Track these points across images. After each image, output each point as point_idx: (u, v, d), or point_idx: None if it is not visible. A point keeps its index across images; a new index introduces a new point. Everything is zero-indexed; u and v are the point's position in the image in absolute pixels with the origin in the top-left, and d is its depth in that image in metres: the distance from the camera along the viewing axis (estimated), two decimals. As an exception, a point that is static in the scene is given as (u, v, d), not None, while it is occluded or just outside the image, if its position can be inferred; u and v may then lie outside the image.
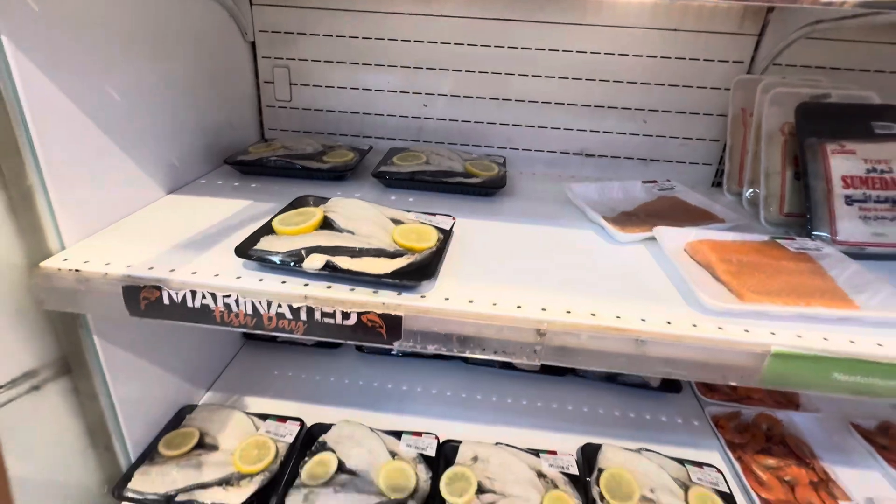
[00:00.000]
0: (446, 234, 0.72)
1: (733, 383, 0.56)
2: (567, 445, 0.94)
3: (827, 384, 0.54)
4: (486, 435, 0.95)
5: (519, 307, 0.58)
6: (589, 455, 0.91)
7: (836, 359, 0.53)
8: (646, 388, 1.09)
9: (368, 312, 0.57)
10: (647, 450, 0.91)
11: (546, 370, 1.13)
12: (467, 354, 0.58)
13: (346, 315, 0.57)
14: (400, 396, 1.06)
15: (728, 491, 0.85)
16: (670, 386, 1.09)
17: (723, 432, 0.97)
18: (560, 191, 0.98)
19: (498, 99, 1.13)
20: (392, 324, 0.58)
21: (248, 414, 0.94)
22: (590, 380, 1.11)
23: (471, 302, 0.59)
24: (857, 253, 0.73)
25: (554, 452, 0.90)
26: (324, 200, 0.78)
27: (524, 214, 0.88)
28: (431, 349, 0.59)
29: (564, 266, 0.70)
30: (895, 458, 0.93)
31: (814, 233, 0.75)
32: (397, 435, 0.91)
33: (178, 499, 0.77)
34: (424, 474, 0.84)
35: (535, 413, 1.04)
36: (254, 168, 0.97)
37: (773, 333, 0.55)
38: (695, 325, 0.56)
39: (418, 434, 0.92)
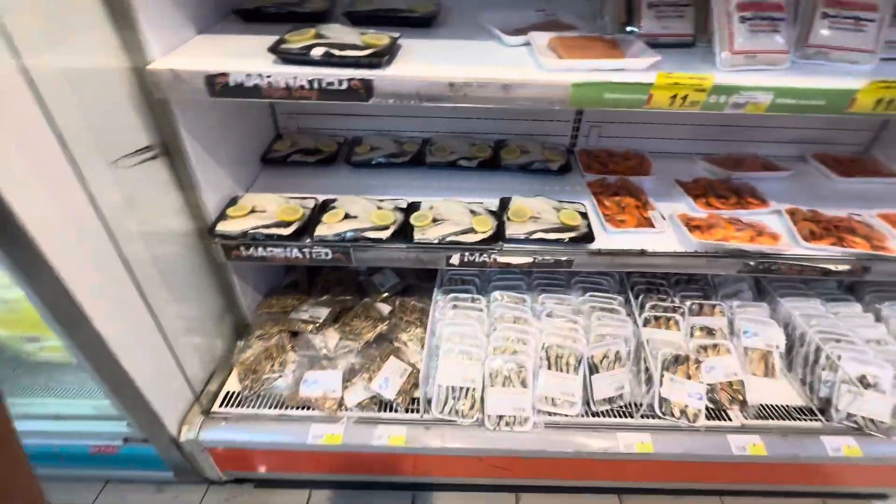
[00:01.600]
0: (395, 39, 1.12)
1: (558, 107, 1.03)
2: (494, 202, 1.46)
3: (601, 100, 1.02)
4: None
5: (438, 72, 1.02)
6: (504, 202, 1.43)
7: (605, 83, 1.00)
8: (548, 172, 1.60)
9: (354, 80, 1.00)
10: (541, 196, 1.44)
11: (482, 166, 1.61)
12: (412, 104, 1.03)
13: (340, 82, 1.00)
14: (383, 189, 1.54)
15: (584, 211, 1.40)
16: (564, 170, 1.60)
17: (591, 187, 1.51)
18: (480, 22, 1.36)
19: None
20: (367, 87, 1.01)
21: (279, 195, 1.41)
22: (512, 171, 1.61)
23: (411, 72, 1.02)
24: (653, 42, 1.17)
25: (481, 202, 1.43)
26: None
27: (452, 36, 1.27)
28: (391, 102, 1.03)
29: (473, 59, 1.12)
30: (697, 194, 1.50)
31: (629, 28, 1.18)
32: (381, 201, 1.41)
33: (249, 232, 1.26)
34: (399, 216, 1.36)
35: (475, 191, 1.54)
36: (254, 15, 1.31)
37: (574, 73, 1.01)
38: (534, 75, 1.02)
39: (393, 199, 1.42)
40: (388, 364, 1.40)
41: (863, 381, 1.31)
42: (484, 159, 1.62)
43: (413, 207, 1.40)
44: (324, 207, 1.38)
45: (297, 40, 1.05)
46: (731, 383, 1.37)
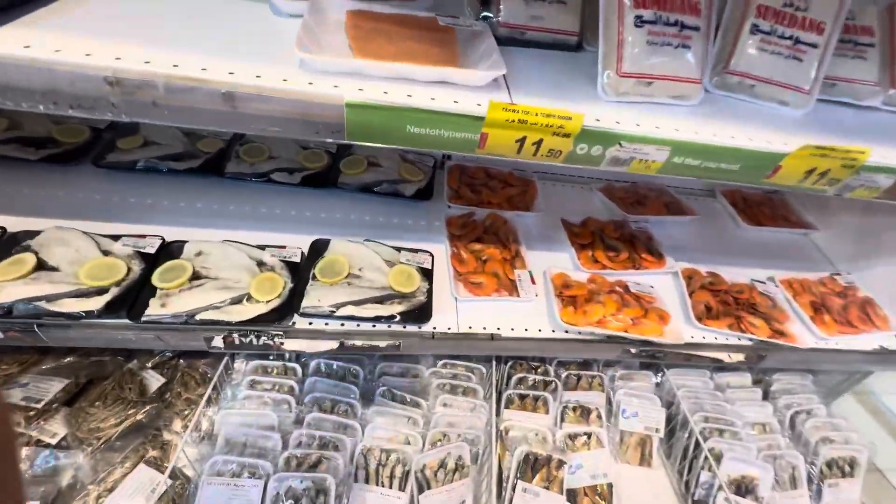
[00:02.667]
0: None
1: (329, 139, 0.60)
2: (306, 243, 1.02)
3: (404, 137, 0.60)
4: (232, 238, 0.99)
5: (88, 55, 0.53)
6: (318, 248, 1.00)
7: (407, 109, 0.58)
8: (400, 196, 1.18)
9: None
10: (370, 240, 1.03)
11: (308, 182, 1.15)
12: (43, 110, 0.54)
13: None
14: (143, 210, 1.03)
15: (430, 268, 1.01)
16: (422, 195, 1.20)
17: (450, 228, 1.12)
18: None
19: None
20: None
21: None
22: (349, 191, 1.17)
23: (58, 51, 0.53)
24: (518, 38, 0.76)
25: (283, 247, 0.98)
26: None
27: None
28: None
29: (219, 32, 0.64)
30: (583, 244, 1.17)
31: (484, 13, 0.76)
32: (116, 238, 0.91)
33: None
34: (137, 267, 0.88)
35: (287, 220, 1.09)
36: None
37: (360, 89, 0.58)
38: (285, 80, 0.57)
39: (141, 236, 0.93)
40: (133, 476, 0.95)
41: (741, 485, 1.10)
42: (312, 173, 1.16)
43: (168, 253, 0.92)
44: (5, 249, 0.85)
45: None
46: (596, 488, 1.10)
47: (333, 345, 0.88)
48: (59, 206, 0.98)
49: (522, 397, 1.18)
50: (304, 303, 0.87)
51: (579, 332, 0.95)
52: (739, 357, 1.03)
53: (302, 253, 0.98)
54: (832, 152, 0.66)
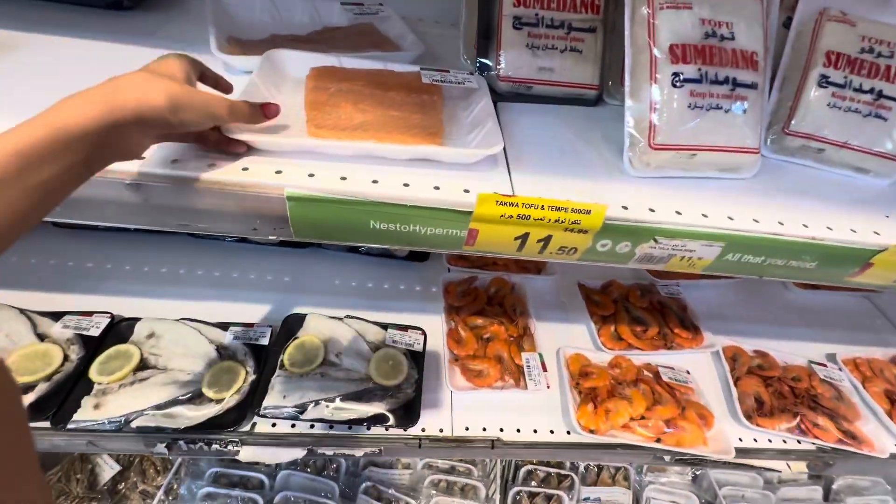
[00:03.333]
0: None
1: (270, 236, 0.46)
2: (280, 316, 0.88)
3: (367, 234, 0.46)
4: (195, 311, 0.86)
5: None
6: (291, 325, 0.86)
7: (372, 204, 0.44)
8: (391, 257, 1.04)
9: None
10: (352, 316, 0.88)
11: (287, 243, 1.02)
12: None
13: None
14: (100, 275, 0.92)
15: (421, 350, 0.85)
16: (416, 256, 1.05)
17: (447, 297, 0.97)
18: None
19: None
20: None
21: None
22: (333, 251, 1.04)
23: None
24: (525, 92, 0.63)
25: (250, 325, 0.85)
26: None
27: (143, 32, 0.66)
28: None
29: None
30: (600, 313, 1.00)
31: (481, 60, 0.62)
32: (57, 316, 0.79)
33: None
34: (75, 355, 0.75)
35: (261, 287, 0.96)
36: None
37: (311, 174, 0.44)
38: (211, 165, 0.44)
39: (88, 314, 0.80)
40: None
41: None
42: (295, 231, 1.04)
43: (115, 334, 0.79)
44: (-67, 330, 0.74)
45: None
46: None
47: (300, 453, 0.73)
48: (5, 269, 0.87)
49: (532, 496, 1.00)
50: (266, 401, 0.73)
51: (601, 443, 0.78)
52: (800, 467, 0.84)
53: (272, 331, 0.84)
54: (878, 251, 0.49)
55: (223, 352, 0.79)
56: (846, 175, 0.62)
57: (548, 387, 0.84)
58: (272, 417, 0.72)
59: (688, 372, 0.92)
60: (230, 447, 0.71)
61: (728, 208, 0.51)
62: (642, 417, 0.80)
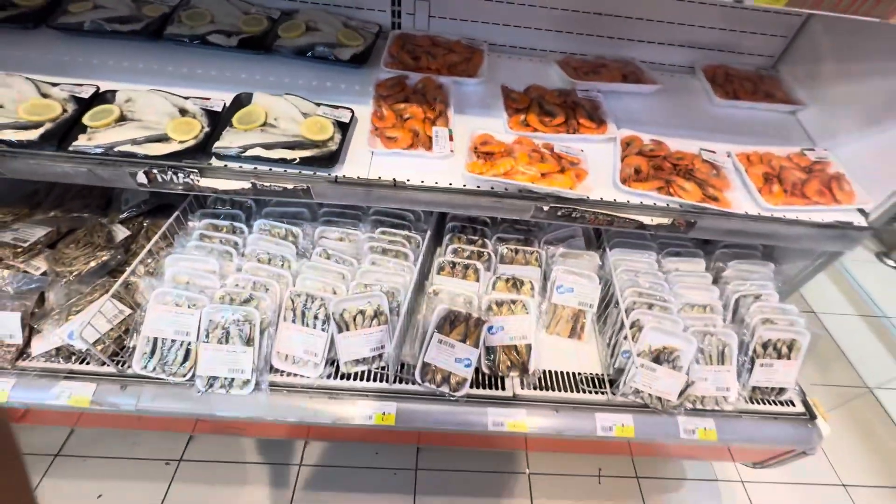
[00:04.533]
0: None
1: None
2: (227, 99, 1.05)
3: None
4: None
5: None
6: (240, 100, 1.03)
7: None
8: (334, 61, 1.17)
9: None
10: (292, 94, 1.05)
11: (245, 45, 1.16)
12: None
13: None
14: (87, 67, 1.10)
15: (347, 122, 1.02)
16: (358, 60, 1.18)
17: (378, 89, 1.11)
18: None
19: None
20: None
21: None
22: (284, 55, 1.17)
23: None
24: None
25: (207, 98, 1.03)
26: None
27: None
28: None
29: None
30: (517, 108, 1.12)
31: None
32: (56, 85, 0.99)
33: None
34: (71, 107, 0.96)
35: (220, 80, 1.12)
36: None
37: None
38: None
39: (78, 85, 1.00)
40: (96, 305, 1.11)
41: (661, 355, 1.11)
42: (250, 36, 1.17)
43: (100, 98, 0.99)
44: (-35, 90, 0.96)
45: None
46: (515, 347, 1.15)
47: (245, 185, 0.94)
48: (11, 61, 1.07)
49: (454, 265, 1.22)
50: (217, 144, 0.93)
51: (484, 183, 0.95)
52: (663, 220, 0.99)
53: (224, 104, 1.02)
54: None
55: (184, 113, 0.98)
56: None
57: (451, 151, 1.00)
58: (222, 156, 0.93)
59: (581, 150, 1.05)
60: (192, 178, 0.93)
61: None
62: (522, 169, 0.96)
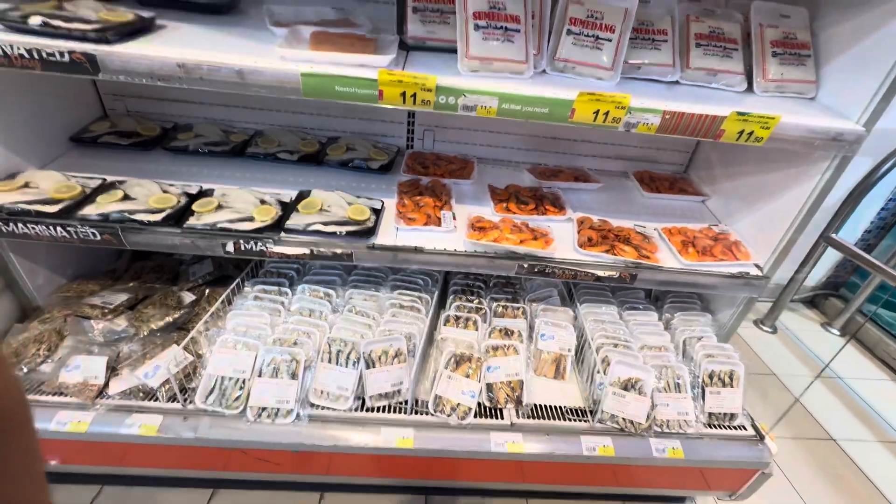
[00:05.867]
0: (146, 18, 1.12)
1: (293, 96, 1.04)
2: (293, 194, 1.46)
3: (336, 93, 1.04)
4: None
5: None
6: (303, 195, 1.43)
7: (334, 76, 1.02)
8: (367, 170, 1.62)
9: (75, 52, 0.99)
10: (339, 191, 1.46)
11: (303, 160, 1.61)
12: (148, 82, 1.02)
13: (62, 54, 0.99)
14: (188, 175, 1.51)
15: (379, 208, 1.42)
16: (385, 169, 1.63)
17: (400, 187, 1.54)
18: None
19: None
20: (92, 61, 1.00)
21: (63, 173, 1.37)
22: (331, 167, 1.62)
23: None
24: (421, 46, 1.22)
25: (279, 193, 1.43)
26: None
27: (235, 24, 1.28)
28: (122, 78, 1.02)
29: (230, 45, 1.13)
30: (500, 199, 1.55)
31: (400, 35, 1.22)
32: (171, 185, 1.39)
33: (6, 206, 1.21)
34: (184, 199, 1.34)
35: (286, 183, 1.54)
36: None
37: (311, 64, 1.03)
38: (272, 61, 1.03)
39: (188, 185, 1.40)
40: (167, 353, 1.36)
41: (629, 384, 1.37)
42: (306, 154, 1.63)
43: (204, 194, 1.38)
44: (107, 188, 1.34)
45: (28, 9, 1.03)
46: (510, 383, 1.40)
47: (305, 251, 1.29)
48: (138, 171, 1.48)
49: (458, 318, 1.52)
50: (287, 223, 1.30)
51: (480, 247, 1.31)
52: (613, 273, 1.35)
53: (291, 197, 1.42)
54: (602, 97, 1.04)
55: (263, 202, 1.37)
56: (588, 81, 1.19)
57: (454, 227, 1.39)
58: (291, 231, 1.29)
59: (549, 227, 1.45)
60: (267, 246, 1.28)
61: (501, 86, 1.08)
62: (507, 236, 1.33)
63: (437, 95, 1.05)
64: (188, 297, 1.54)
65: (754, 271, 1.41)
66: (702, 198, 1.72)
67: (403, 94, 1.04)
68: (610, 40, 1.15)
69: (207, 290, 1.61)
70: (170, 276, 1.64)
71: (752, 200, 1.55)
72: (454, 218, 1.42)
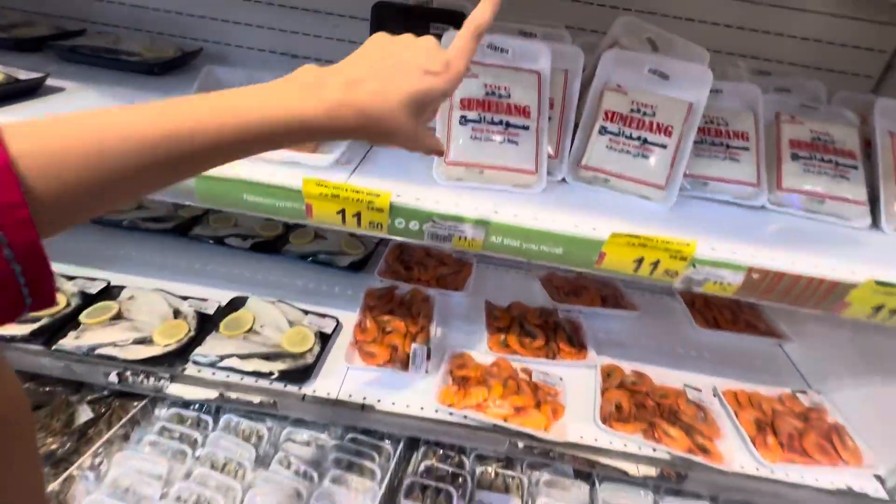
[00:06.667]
0: None
1: (187, 201, 0.72)
2: (226, 298, 1.12)
3: (244, 203, 0.70)
4: (172, 288, 1.12)
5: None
6: (235, 303, 1.09)
7: (240, 181, 0.69)
8: (336, 267, 1.28)
9: None
10: (283, 302, 1.11)
11: (258, 248, 1.29)
12: None
13: None
14: (111, 259, 1.22)
15: (329, 333, 1.05)
16: (356, 267, 1.28)
17: (367, 298, 1.17)
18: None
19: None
20: None
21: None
22: (291, 259, 1.29)
23: None
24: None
25: (205, 300, 1.09)
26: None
27: (168, 91, 1.00)
28: None
29: None
30: (499, 326, 1.15)
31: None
32: (71, 278, 1.08)
33: None
34: (75, 302, 1.02)
35: (229, 278, 1.21)
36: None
37: (213, 164, 0.71)
38: (155, 154, 0.71)
39: (91, 279, 1.09)
40: None
41: None
42: (262, 240, 1.31)
43: (108, 293, 1.07)
44: None
45: None
46: None
47: (213, 394, 0.93)
48: (56, 252, 1.19)
49: (424, 489, 1.10)
50: (197, 350, 0.95)
51: (454, 415, 0.91)
52: (650, 471, 0.91)
53: (220, 305, 1.08)
54: (650, 242, 0.66)
55: (177, 314, 1.04)
56: (633, 200, 0.81)
57: (426, 371, 1.00)
58: (197, 363, 0.94)
59: (560, 379, 1.04)
60: (162, 382, 0.93)
61: (505, 209, 0.72)
62: (496, 401, 0.93)
63: (393, 218, 0.69)
64: (84, 415, 1.20)
65: (872, 487, 0.93)
66: (778, 341, 1.27)
67: (343, 212, 0.69)
68: (664, 146, 0.78)
69: (116, 403, 1.26)
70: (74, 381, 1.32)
71: (866, 358, 1.08)
72: (428, 356, 1.03)
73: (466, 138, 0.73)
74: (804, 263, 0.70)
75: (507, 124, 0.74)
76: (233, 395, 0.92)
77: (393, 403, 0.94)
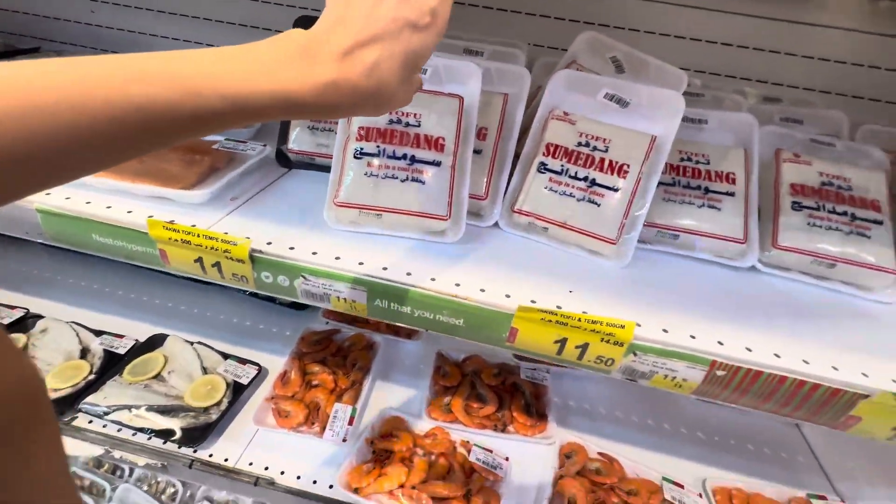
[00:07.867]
0: None
1: (39, 239, 0.62)
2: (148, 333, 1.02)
3: (89, 242, 0.60)
4: (93, 318, 1.04)
5: None
6: (153, 342, 0.99)
7: (86, 220, 0.58)
8: (278, 303, 1.16)
9: None
10: (203, 344, 0.99)
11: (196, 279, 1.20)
12: None
13: None
14: (50, 284, 1.16)
15: (246, 384, 0.93)
16: (299, 305, 1.16)
17: (300, 343, 1.04)
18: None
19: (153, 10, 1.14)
20: None
21: None
22: (232, 290, 1.19)
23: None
24: (309, 163, 0.77)
25: (121, 336, 1.00)
26: None
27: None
28: None
29: None
30: (444, 384, 0.99)
31: (281, 147, 0.78)
32: (-10, 305, 1.02)
33: None
34: (-19, 335, 0.95)
35: (162, 311, 1.12)
36: None
37: (67, 198, 0.61)
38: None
39: (10, 307, 1.02)
40: None
41: None
42: (207, 270, 1.22)
43: (20, 324, 0.99)
44: None
45: None
46: None
47: (98, 451, 0.82)
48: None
49: (346, 573, 0.93)
50: (88, 398, 0.84)
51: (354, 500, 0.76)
52: None
53: (135, 344, 0.98)
54: (569, 320, 0.49)
55: (85, 353, 0.94)
56: (578, 255, 0.65)
57: (344, 440, 0.85)
58: (85, 412, 0.83)
59: (506, 459, 0.86)
60: (47, 433, 0.83)
61: (397, 263, 0.57)
62: (416, 488, 0.76)
63: (258, 271, 0.57)
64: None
65: None
66: (797, 419, 1.03)
67: (200, 260, 0.57)
68: (616, 189, 0.62)
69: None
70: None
71: None
72: (351, 420, 0.88)
73: (360, 175, 0.60)
74: (794, 356, 0.52)
75: (413, 159, 0.60)
76: (118, 454, 0.81)
77: (298, 477, 0.80)
